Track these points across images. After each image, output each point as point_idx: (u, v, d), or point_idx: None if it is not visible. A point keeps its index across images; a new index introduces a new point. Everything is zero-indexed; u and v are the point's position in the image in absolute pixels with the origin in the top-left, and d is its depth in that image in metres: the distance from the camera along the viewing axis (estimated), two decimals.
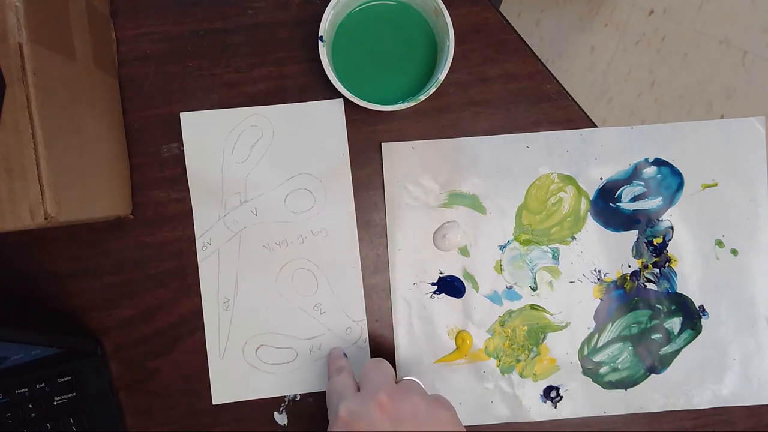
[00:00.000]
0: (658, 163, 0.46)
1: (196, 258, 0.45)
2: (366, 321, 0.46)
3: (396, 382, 0.38)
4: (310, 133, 0.45)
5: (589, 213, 0.46)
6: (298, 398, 0.46)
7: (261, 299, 0.46)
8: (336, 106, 0.45)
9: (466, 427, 0.45)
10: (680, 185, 0.46)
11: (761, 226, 0.46)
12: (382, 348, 0.46)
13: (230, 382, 0.45)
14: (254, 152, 0.45)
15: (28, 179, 0.32)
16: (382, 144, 0.45)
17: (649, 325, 0.46)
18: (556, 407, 0.46)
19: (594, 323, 0.46)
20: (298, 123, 0.45)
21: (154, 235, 0.45)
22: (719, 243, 0.46)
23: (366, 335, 0.46)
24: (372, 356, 0.46)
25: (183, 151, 0.45)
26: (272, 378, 0.46)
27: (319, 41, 0.40)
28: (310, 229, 0.46)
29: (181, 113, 0.45)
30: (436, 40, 0.43)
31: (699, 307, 0.46)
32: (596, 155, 0.46)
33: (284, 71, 0.45)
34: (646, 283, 0.46)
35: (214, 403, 0.45)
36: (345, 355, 0.44)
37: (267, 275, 0.46)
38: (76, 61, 0.37)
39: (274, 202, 0.45)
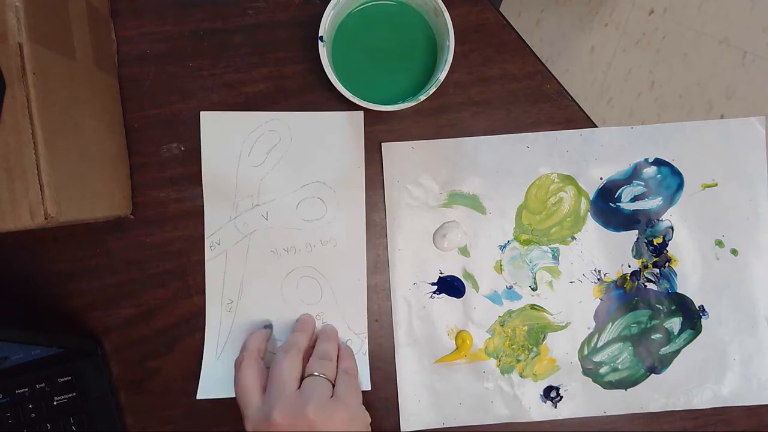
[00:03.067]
0: (658, 163, 0.46)
1: (196, 258, 0.45)
2: (367, 335, 0.46)
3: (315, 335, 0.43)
4: (327, 142, 0.45)
5: (589, 213, 0.46)
6: None
7: (264, 303, 0.45)
8: (356, 118, 0.45)
9: (466, 427, 0.45)
10: (680, 185, 0.46)
11: (761, 226, 0.46)
12: (382, 348, 0.46)
13: (220, 380, 0.44)
14: (271, 157, 0.45)
15: (28, 179, 0.32)
16: (382, 144, 0.45)
17: (649, 325, 0.46)
18: (556, 407, 0.46)
19: (594, 323, 0.46)
20: (317, 131, 0.45)
21: (154, 235, 0.45)
22: (719, 243, 0.46)
23: (366, 348, 0.46)
24: (371, 366, 0.45)
25: (183, 150, 0.45)
26: None
27: (319, 41, 0.40)
28: (319, 238, 0.45)
29: (201, 112, 0.45)
30: (436, 40, 0.43)
31: (699, 307, 0.46)
32: (596, 155, 0.46)
33: (284, 71, 0.45)
34: (646, 283, 0.46)
35: (198, 398, 0.44)
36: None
37: (272, 280, 0.45)
38: (76, 61, 0.37)
39: (285, 208, 0.45)
